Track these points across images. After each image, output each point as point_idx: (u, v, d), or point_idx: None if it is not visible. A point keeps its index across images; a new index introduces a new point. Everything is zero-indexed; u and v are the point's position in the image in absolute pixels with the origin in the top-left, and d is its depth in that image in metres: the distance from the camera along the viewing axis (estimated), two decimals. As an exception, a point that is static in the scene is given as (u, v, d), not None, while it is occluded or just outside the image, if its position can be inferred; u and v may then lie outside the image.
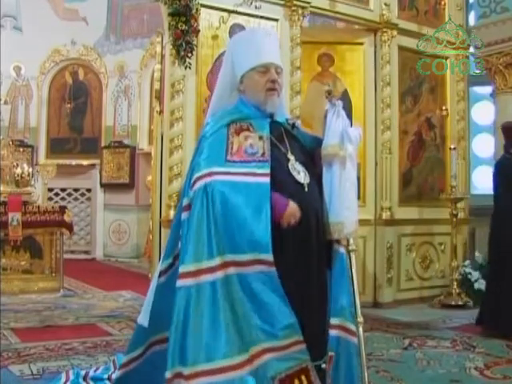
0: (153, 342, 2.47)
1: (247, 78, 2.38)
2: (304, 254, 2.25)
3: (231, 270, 2.09)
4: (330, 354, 2.32)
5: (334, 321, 2.34)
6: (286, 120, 2.49)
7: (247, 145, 2.26)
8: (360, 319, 2.47)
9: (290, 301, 2.14)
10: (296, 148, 2.39)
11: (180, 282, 2.09)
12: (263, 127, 2.35)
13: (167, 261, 2.35)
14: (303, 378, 2.14)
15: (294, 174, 2.29)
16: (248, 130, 2.32)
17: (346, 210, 2.35)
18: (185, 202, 2.23)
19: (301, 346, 2.14)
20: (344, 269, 2.41)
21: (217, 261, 2.09)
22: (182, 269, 2.11)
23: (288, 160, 2.32)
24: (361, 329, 2.48)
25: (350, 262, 2.51)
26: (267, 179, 2.17)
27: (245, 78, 2.39)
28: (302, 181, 2.29)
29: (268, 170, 2.20)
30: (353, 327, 2.39)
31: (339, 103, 2.44)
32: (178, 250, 2.30)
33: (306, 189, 2.30)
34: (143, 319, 2.49)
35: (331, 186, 2.36)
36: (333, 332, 2.33)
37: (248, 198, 2.13)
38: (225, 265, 2.09)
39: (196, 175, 2.19)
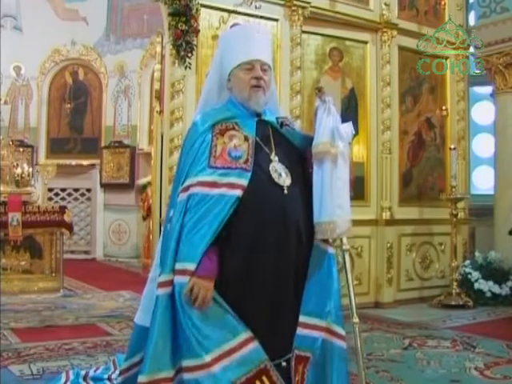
0: None
1: (233, 75, 2.35)
2: (282, 257, 2.22)
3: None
4: (306, 354, 2.27)
5: (320, 323, 2.30)
6: (277, 119, 2.44)
7: (231, 146, 2.24)
8: (356, 320, 2.45)
9: (257, 300, 2.17)
10: (282, 148, 2.36)
11: (157, 291, 2.19)
12: (249, 127, 2.32)
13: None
14: (264, 378, 2.14)
15: (274, 176, 2.26)
16: (233, 129, 2.29)
17: (338, 209, 2.29)
18: (171, 213, 2.26)
19: (253, 345, 2.13)
20: (331, 270, 2.36)
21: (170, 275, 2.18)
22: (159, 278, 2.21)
23: (270, 161, 2.29)
24: (357, 329, 2.46)
25: (344, 261, 2.48)
26: (239, 192, 2.17)
27: (232, 76, 2.36)
28: (281, 183, 2.26)
29: (246, 182, 2.18)
30: (340, 330, 2.35)
31: (329, 100, 2.39)
32: None
33: (286, 191, 2.26)
34: (141, 318, 2.48)
35: (322, 184, 2.29)
36: (314, 333, 2.29)
37: (207, 211, 2.14)
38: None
39: (181, 187, 2.22)
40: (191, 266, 2.10)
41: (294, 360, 2.24)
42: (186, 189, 2.19)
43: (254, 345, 2.14)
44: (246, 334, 2.14)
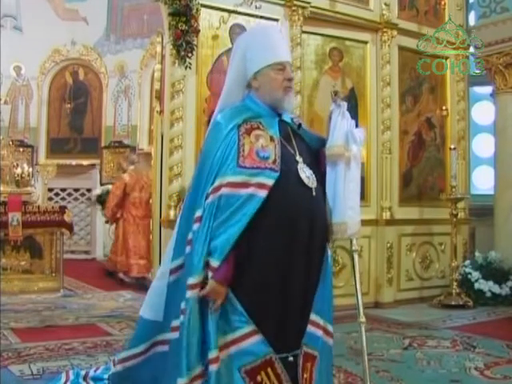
0: (157, 342, 2.47)
1: (262, 74, 2.33)
2: (306, 256, 2.26)
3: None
4: (314, 352, 2.32)
5: (319, 320, 2.35)
6: (291, 119, 2.46)
7: (258, 146, 2.24)
8: (362, 319, 2.49)
9: (281, 295, 2.20)
10: (303, 148, 2.39)
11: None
12: (273, 126, 2.33)
13: (176, 261, 2.36)
14: (269, 370, 2.19)
15: (303, 177, 2.28)
16: (258, 128, 2.29)
17: (349, 211, 2.35)
18: (197, 213, 2.22)
19: (257, 338, 2.17)
20: (327, 270, 2.40)
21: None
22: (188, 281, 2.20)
23: (297, 163, 2.30)
24: (363, 329, 2.49)
25: (354, 262, 2.54)
26: (266, 192, 2.17)
27: (259, 74, 2.34)
28: (310, 185, 2.29)
29: (272, 182, 2.19)
30: (331, 329, 2.42)
31: (344, 104, 2.44)
32: (185, 253, 2.30)
33: (314, 193, 2.29)
34: (147, 313, 2.50)
35: (335, 186, 2.35)
36: (318, 332, 2.34)
37: (236, 211, 2.14)
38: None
39: (210, 188, 2.20)
40: (216, 263, 2.12)
41: (302, 357, 2.27)
42: (217, 189, 2.18)
43: (258, 337, 2.18)
44: (250, 327, 2.17)
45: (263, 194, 2.17)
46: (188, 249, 2.26)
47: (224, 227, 2.13)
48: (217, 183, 2.19)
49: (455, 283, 6.08)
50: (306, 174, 2.29)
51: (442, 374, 3.67)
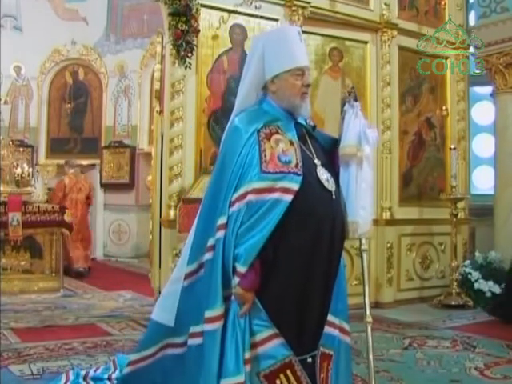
0: (167, 344, 2.47)
1: (281, 79, 2.31)
2: (327, 259, 2.27)
3: None
4: (330, 352, 2.34)
5: (335, 320, 2.38)
6: (305, 121, 2.45)
7: (279, 150, 2.23)
8: (369, 319, 2.51)
9: (291, 297, 2.20)
10: (318, 150, 2.39)
11: None
12: (290, 129, 2.32)
13: (192, 266, 2.36)
14: (288, 372, 2.20)
15: (323, 181, 2.28)
16: (277, 132, 2.28)
17: (361, 210, 2.36)
18: (220, 220, 2.20)
19: (277, 341, 2.18)
20: (341, 270, 2.43)
21: None
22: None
23: (315, 166, 2.30)
24: (369, 329, 2.51)
25: (362, 262, 2.55)
26: (291, 197, 2.17)
27: (278, 78, 2.32)
28: (330, 188, 2.29)
29: (297, 186, 2.19)
30: (348, 327, 2.45)
31: (357, 104, 2.44)
32: (203, 259, 2.30)
33: (334, 196, 2.30)
34: (159, 316, 2.50)
35: (348, 185, 2.37)
36: (335, 332, 2.37)
37: (263, 216, 2.13)
38: None
39: (235, 195, 2.18)
40: (243, 269, 2.12)
41: (319, 357, 2.30)
42: (243, 196, 2.16)
43: (279, 341, 2.18)
44: (270, 331, 2.18)
45: (289, 198, 2.16)
46: (209, 255, 2.24)
47: (250, 234, 2.12)
48: (242, 191, 2.17)
49: (455, 283, 6.08)
50: (325, 176, 2.30)
51: (441, 374, 3.67)
